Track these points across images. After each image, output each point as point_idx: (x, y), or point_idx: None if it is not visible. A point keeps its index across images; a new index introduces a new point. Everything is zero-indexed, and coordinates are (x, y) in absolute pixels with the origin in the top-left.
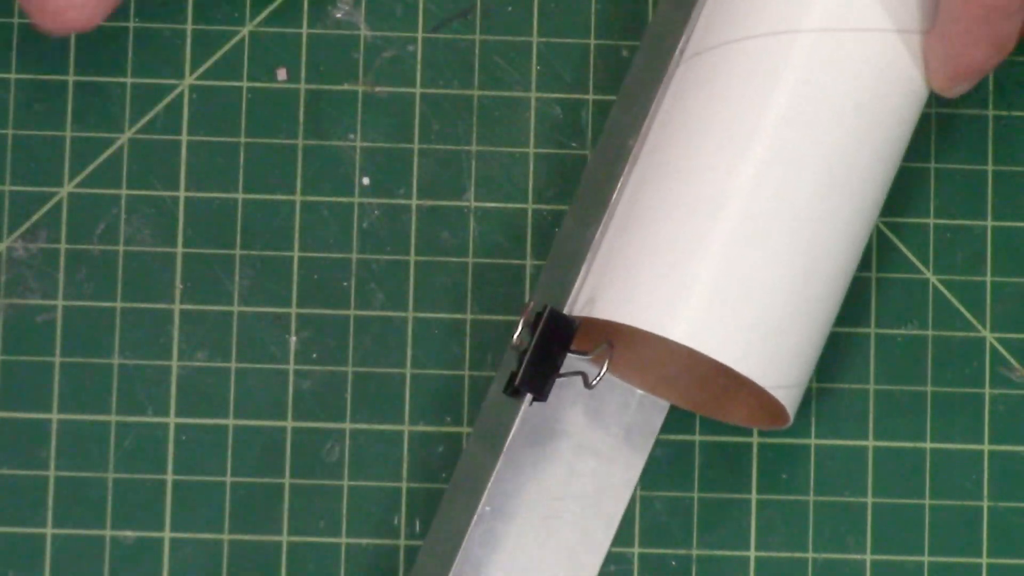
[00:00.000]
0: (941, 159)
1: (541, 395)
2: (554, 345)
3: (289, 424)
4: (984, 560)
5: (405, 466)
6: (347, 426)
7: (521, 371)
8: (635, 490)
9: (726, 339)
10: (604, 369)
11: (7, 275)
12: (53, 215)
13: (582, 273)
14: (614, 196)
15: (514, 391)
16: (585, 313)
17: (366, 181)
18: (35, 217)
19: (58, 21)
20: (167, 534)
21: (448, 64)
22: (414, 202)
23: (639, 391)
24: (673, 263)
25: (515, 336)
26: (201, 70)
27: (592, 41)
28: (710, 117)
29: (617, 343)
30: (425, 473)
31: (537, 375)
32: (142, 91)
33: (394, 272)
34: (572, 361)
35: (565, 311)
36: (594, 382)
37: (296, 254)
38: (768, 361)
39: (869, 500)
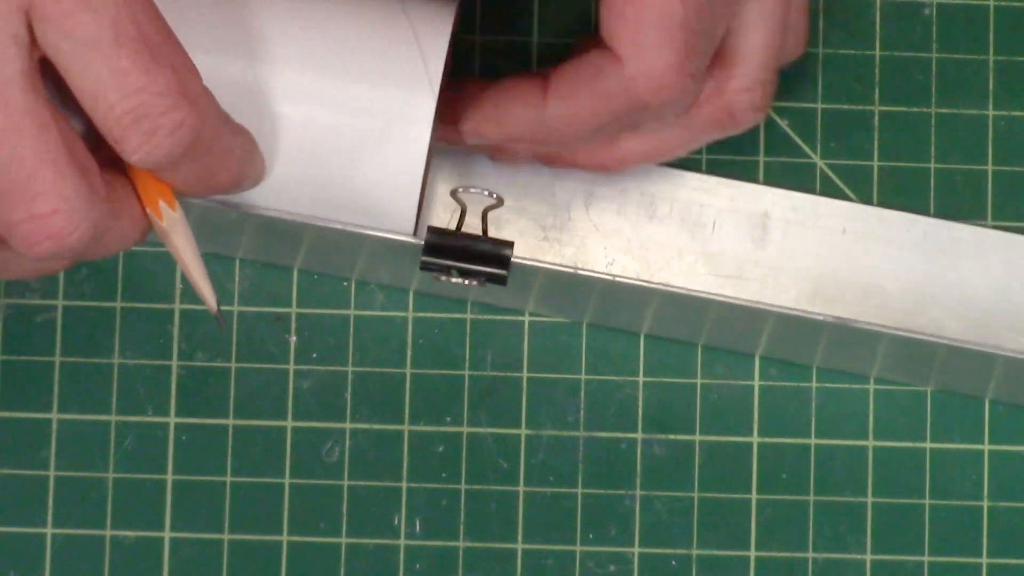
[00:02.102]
0: (941, 159)
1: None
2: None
3: (289, 424)
4: (984, 560)
5: (405, 466)
6: (347, 426)
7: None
8: (635, 490)
9: None
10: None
11: None
12: None
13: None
14: None
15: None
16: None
17: None
18: None
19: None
20: (167, 534)
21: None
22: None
23: None
24: None
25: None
26: None
27: None
28: None
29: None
30: (425, 473)
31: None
32: None
33: None
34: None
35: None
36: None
37: None
38: None
39: (869, 500)
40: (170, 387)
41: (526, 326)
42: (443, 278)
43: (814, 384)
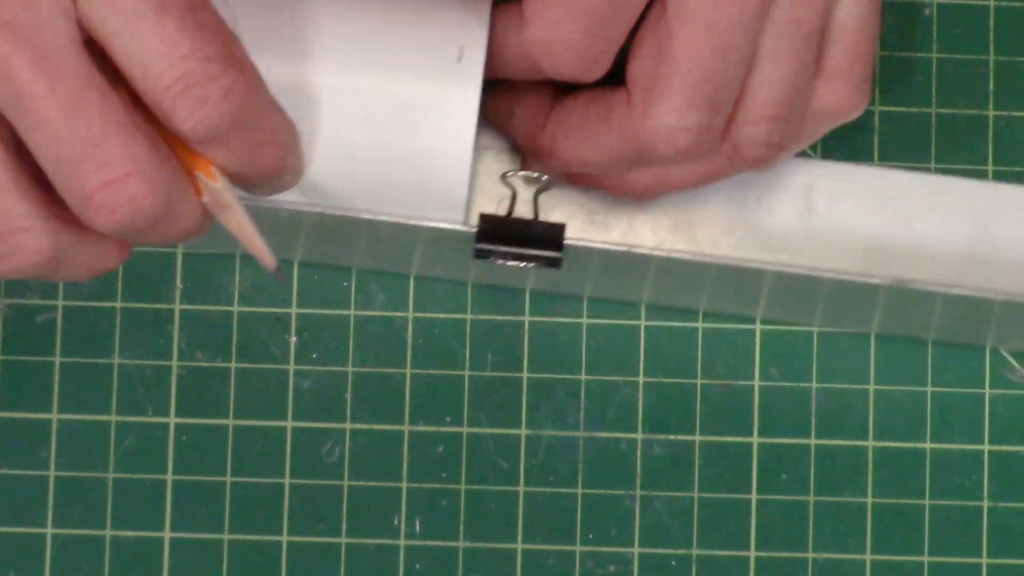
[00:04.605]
0: (941, 159)
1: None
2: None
3: (289, 424)
4: (984, 560)
5: (405, 466)
6: (347, 426)
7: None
8: (635, 491)
9: None
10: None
11: None
12: None
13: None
14: None
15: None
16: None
17: None
18: None
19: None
20: (167, 534)
21: None
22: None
23: None
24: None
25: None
26: None
27: None
28: None
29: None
30: (425, 473)
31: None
32: None
33: (394, 272)
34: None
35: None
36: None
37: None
38: None
39: (869, 500)
40: (170, 387)
41: (526, 326)
42: (498, 263)
43: (814, 384)
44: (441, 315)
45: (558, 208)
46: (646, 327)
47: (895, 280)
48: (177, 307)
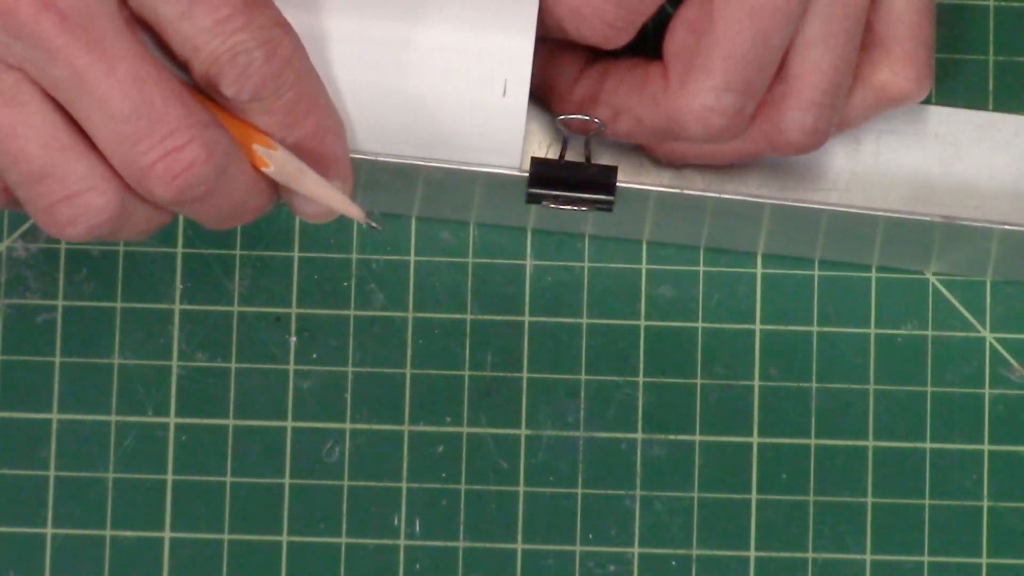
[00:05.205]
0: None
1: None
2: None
3: (289, 424)
4: (984, 560)
5: (405, 466)
6: (347, 426)
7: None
8: (635, 491)
9: None
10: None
11: (7, 275)
12: None
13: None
14: None
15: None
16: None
17: None
18: None
19: (64, 233)
20: (167, 534)
21: None
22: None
23: None
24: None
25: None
26: None
27: None
28: None
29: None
30: (425, 473)
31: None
32: None
33: (394, 272)
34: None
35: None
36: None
37: (296, 254)
38: None
39: (869, 500)
40: (170, 387)
41: (526, 326)
42: (551, 207)
43: (814, 384)
44: (441, 315)
45: (607, 152)
46: (646, 327)
47: (945, 218)
48: (177, 307)
